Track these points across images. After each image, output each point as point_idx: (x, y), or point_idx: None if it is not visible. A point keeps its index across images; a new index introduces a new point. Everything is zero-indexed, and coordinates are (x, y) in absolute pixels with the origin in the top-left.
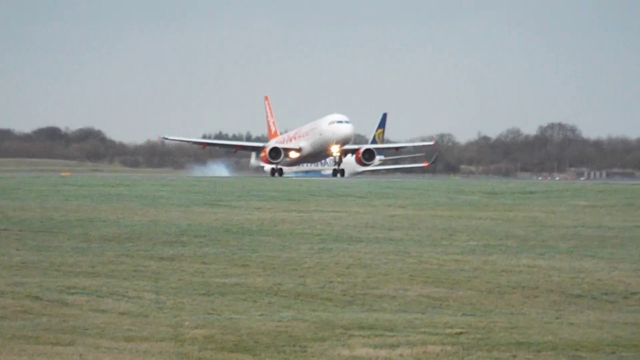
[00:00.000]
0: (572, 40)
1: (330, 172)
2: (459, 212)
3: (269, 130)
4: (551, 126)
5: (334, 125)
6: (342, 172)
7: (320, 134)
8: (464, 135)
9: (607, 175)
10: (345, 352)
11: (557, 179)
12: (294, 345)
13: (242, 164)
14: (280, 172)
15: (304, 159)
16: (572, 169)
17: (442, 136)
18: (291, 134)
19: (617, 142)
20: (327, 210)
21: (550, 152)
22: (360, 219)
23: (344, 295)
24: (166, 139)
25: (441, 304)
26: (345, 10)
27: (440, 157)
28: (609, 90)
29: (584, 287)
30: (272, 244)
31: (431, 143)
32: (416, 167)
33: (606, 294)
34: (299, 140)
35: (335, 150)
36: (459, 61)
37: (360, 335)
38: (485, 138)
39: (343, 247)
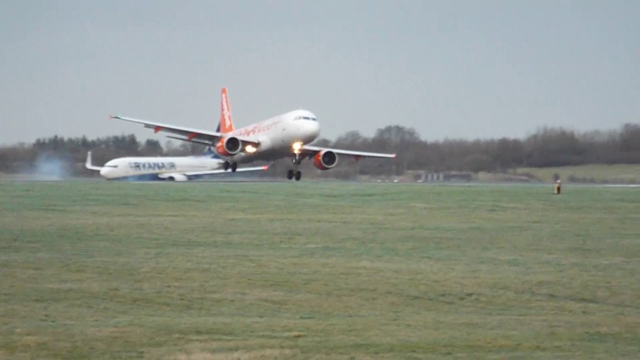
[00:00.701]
0: (407, 44)
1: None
2: (298, 215)
3: (223, 124)
4: (389, 129)
5: (300, 121)
6: (298, 174)
7: (284, 129)
8: None
9: (445, 177)
10: (183, 357)
11: (395, 181)
12: (130, 351)
13: (77, 168)
14: (234, 167)
15: (261, 155)
16: (410, 171)
17: None
18: (250, 127)
19: (454, 145)
20: (165, 214)
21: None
22: (198, 223)
23: (182, 299)
24: (118, 118)
25: (280, 308)
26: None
27: (280, 161)
28: (445, 93)
29: (421, 288)
30: (108, 248)
31: (392, 156)
32: (256, 170)
33: (443, 295)
34: (258, 134)
35: (297, 147)
36: (293, 62)
37: (197, 340)
38: (325, 141)
39: (181, 251)
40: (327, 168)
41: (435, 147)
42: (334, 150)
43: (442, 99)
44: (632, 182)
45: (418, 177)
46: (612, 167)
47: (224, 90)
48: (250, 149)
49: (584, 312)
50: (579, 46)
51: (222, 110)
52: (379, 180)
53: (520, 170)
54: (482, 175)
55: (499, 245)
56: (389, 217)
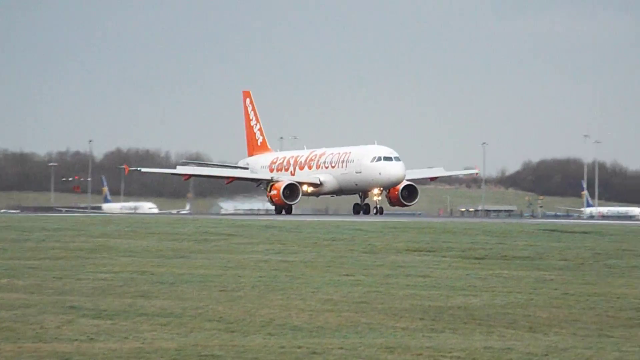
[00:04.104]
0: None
1: None
2: None
3: (250, 142)
4: None
5: (382, 165)
6: (367, 208)
7: (359, 172)
8: None
9: None
10: None
11: None
12: None
13: None
14: (290, 209)
15: (321, 194)
16: None
17: None
18: (302, 156)
19: None
20: None
21: None
22: None
23: None
24: (138, 170)
25: None
26: None
27: None
28: None
29: None
30: None
31: (476, 171)
32: None
33: None
34: (318, 172)
35: (376, 192)
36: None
37: None
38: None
39: None
40: (407, 205)
41: None
42: (413, 180)
43: None
44: None
45: None
46: None
47: (247, 94)
48: (307, 189)
49: None
50: None
51: (248, 121)
52: None
53: None
54: None
55: None
56: None
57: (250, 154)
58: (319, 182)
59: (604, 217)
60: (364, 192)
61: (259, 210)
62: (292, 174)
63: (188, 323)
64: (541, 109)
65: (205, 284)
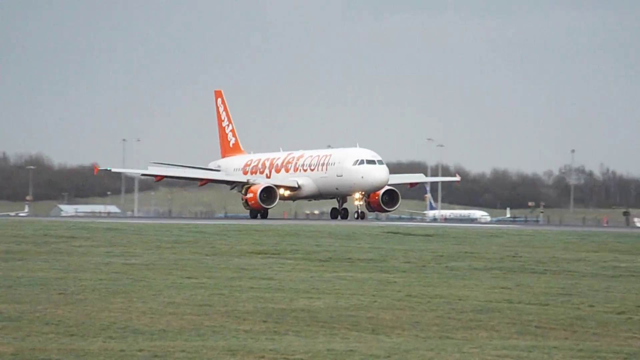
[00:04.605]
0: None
1: None
2: None
3: (223, 141)
4: None
5: (364, 168)
6: (345, 213)
7: (340, 175)
8: None
9: None
10: None
11: None
12: None
13: None
14: (266, 213)
15: (298, 198)
16: None
17: None
18: (278, 159)
19: None
20: None
21: None
22: None
23: None
24: (108, 170)
25: None
26: None
27: None
28: None
29: None
30: None
31: (457, 179)
32: None
33: None
34: (296, 175)
35: (357, 197)
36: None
37: None
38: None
39: None
40: (388, 211)
41: None
42: (394, 185)
43: None
44: None
45: None
46: None
47: (219, 94)
48: (284, 192)
49: None
50: None
51: (220, 121)
52: None
53: None
54: None
55: None
56: None
57: (223, 156)
58: (296, 186)
59: (446, 219)
60: (343, 196)
61: (100, 213)
62: (268, 177)
63: (25, 327)
64: (385, 112)
65: (44, 287)
